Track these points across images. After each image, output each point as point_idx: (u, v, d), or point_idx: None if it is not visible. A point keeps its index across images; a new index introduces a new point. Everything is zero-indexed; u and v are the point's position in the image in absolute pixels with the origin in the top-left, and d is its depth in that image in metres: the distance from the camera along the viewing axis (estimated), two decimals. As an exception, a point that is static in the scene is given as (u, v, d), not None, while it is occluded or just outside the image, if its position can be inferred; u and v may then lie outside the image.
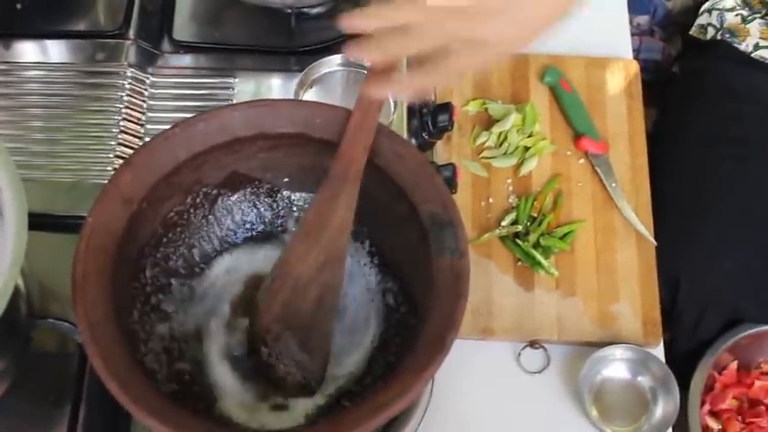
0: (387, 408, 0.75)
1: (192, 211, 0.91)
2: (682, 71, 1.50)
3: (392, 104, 1.04)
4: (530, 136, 1.16)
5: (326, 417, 0.86)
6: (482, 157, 1.15)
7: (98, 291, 0.78)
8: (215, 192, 0.91)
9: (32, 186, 0.93)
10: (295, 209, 0.94)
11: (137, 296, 0.87)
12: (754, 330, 1.20)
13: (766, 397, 1.23)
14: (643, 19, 1.62)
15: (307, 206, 0.92)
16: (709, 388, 1.21)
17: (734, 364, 1.23)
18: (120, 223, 0.82)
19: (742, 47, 1.39)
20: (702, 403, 1.18)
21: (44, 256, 0.88)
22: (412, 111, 1.07)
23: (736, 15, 1.41)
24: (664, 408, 1.05)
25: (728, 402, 1.22)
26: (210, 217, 0.92)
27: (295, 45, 1.13)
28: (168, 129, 0.87)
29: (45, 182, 1.04)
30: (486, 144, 1.16)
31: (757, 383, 1.23)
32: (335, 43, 1.11)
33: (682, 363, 1.15)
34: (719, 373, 1.22)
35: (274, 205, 0.94)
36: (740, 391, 1.22)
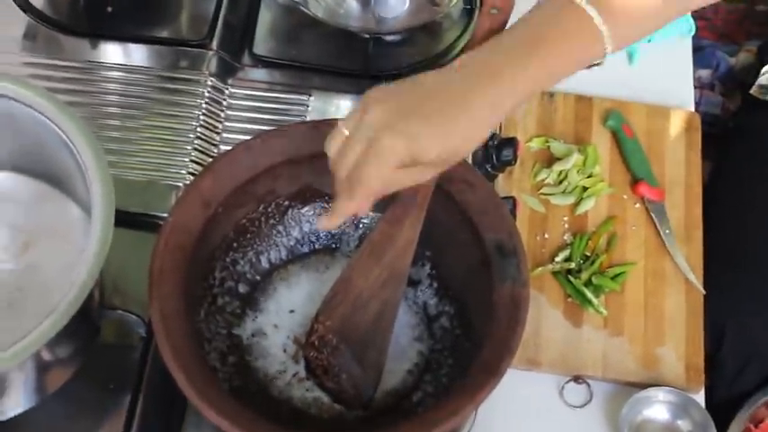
0: (437, 425, 0.77)
1: (263, 219, 0.94)
2: (739, 128, 1.51)
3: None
4: (589, 176, 1.18)
5: (374, 428, 0.89)
6: (541, 193, 1.18)
7: (172, 286, 0.82)
8: (287, 203, 0.95)
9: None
10: (361, 226, 0.97)
11: (205, 296, 0.90)
12: (793, 387, 1.21)
13: (800, 453, 1.23)
14: (705, 72, 1.64)
15: (373, 224, 0.95)
16: (744, 440, 1.21)
17: (770, 419, 1.24)
18: (197, 224, 0.86)
19: None
20: (737, 454, 1.19)
21: (114, 251, 0.88)
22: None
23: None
24: (701, 453, 1.06)
25: (763, 456, 1.22)
26: (280, 226, 0.96)
27: (370, 69, 1.17)
28: (250, 139, 0.91)
29: (117, 179, 0.99)
30: (546, 181, 1.18)
31: (792, 440, 1.23)
32: (409, 70, 1.13)
33: (719, 411, 1.15)
34: (756, 426, 1.23)
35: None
36: (775, 446, 1.23)
